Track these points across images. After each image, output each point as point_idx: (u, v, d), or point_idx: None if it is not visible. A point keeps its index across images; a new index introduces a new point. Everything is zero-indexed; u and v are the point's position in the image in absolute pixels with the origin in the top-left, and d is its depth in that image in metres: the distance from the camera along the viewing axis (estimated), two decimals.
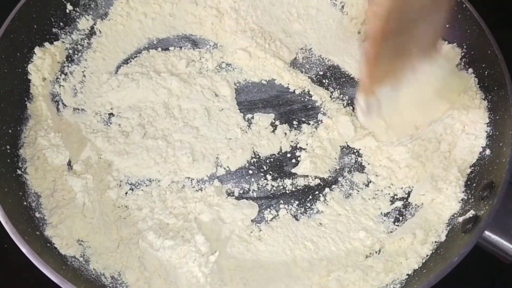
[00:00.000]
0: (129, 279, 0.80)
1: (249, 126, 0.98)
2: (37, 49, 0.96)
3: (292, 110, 1.01)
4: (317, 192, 0.92)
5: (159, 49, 1.06)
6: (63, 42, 1.02)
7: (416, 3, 0.71)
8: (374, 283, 0.79)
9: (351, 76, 1.05)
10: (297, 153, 0.96)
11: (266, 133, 0.97)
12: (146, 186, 0.91)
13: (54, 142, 0.89)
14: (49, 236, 0.81)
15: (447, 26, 0.90)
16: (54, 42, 1.00)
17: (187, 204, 0.89)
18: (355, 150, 0.96)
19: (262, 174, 0.94)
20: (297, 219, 0.89)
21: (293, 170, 0.94)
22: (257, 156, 0.95)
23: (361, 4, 1.08)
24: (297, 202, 0.91)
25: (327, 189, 0.92)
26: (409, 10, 0.71)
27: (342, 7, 1.10)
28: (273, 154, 0.96)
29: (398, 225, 0.88)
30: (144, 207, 0.88)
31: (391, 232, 0.87)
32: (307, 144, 0.96)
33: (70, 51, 1.03)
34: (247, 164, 0.94)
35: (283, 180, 0.93)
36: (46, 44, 0.99)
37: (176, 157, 0.93)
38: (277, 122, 0.99)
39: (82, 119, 0.96)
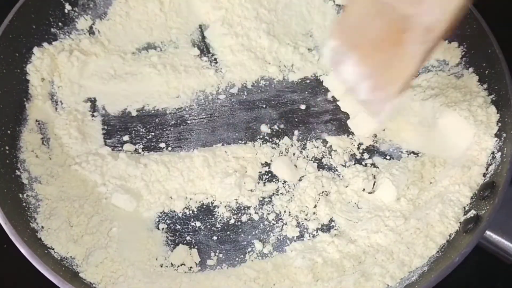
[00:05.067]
0: None
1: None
2: (35, 50, 0.96)
3: (293, 110, 1.01)
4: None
5: (158, 49, 1.06)
6: (62, 42, 1.01)
7: None
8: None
9: None
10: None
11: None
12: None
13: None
14: (48, 237, 0.80)
15: None
16: (53, 42, 1.00)
17: None
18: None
19: None
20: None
21: None
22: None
23: None
24: None
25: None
26: None
27: None
28: None
29: (401, 226, 0.87)
30: None
31: (396, 232, 0.86)
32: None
33: None
34: None
35: None
36: (45, 44, 0.98)
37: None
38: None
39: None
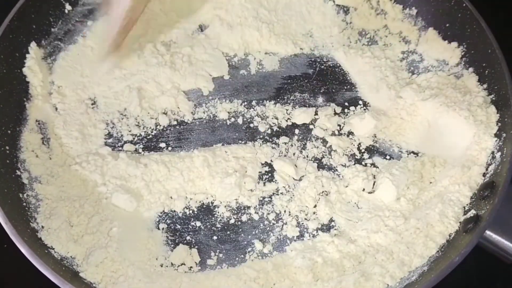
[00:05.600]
0: None
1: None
2: (31, 49, 0.96)
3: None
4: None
5: (158, 49, 1.05)
6: (62, 42, 1.02)
7: None
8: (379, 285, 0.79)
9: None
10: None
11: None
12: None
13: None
14: (48, 237, 0.80)
15: None
16: (52, 42, 1.01)
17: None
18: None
19: None
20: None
21: None
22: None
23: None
24: None
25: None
26: None
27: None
28: None
29: (401, 225, 0.87)
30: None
31: (396, 232, 0.86)
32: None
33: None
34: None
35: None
36: (44, 43, 0.99)
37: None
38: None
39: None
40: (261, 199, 0.91)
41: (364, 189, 0.91)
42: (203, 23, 1.09)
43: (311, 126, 0.99)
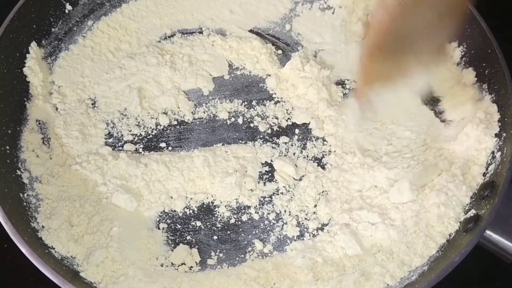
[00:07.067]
0: None
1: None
2: (32, 49, 0.96)
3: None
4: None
5: (158, 49, 1.06)
6: (62, 41, 1.02)
7: (420, 22, 0.70)
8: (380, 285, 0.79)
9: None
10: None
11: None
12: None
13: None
14: (48, 237, 0.81)
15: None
16: (52, 42, 1.01)
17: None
18: None
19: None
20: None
21: None
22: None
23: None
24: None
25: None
26: (411, 28, 0.70)
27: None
28: None
29: (401, 225, 0.87)
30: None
31: (395, 232, 0.86)
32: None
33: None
34: None
35: None
36: (44, 43, 0.99)
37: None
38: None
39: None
40: (261, 199, 0.91)
41: (364, 189, 0.91)
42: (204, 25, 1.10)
43: (310, 126, 0.99)
